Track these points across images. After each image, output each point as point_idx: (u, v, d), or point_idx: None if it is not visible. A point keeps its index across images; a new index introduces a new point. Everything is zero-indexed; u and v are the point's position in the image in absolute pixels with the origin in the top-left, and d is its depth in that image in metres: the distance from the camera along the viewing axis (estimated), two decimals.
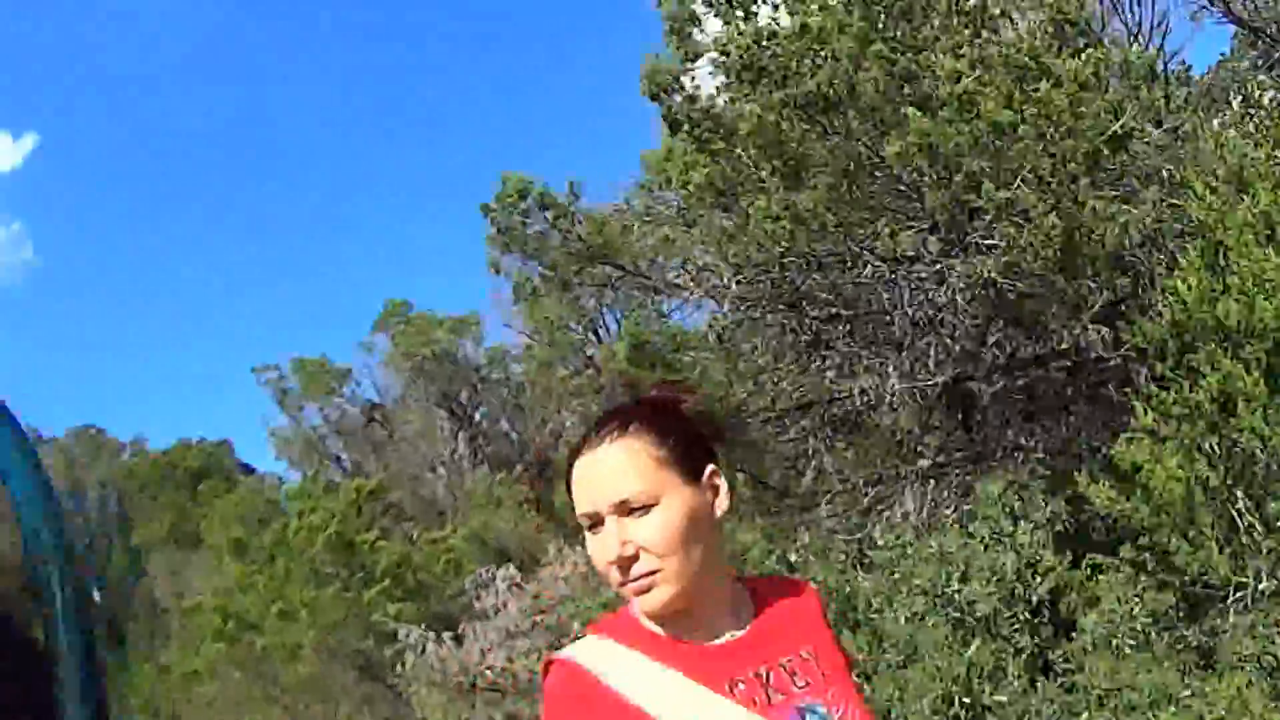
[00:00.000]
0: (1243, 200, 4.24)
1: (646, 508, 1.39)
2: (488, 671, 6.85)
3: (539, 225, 6.44)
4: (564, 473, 1.49)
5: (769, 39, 5.20)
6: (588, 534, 1.43)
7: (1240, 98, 6.45)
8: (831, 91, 4.88)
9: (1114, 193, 5.03)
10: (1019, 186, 4.77)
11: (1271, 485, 3.94)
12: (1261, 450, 3.96)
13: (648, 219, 6.19)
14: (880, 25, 5.06)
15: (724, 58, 5.34)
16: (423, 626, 7.31)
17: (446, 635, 7.06)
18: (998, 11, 5.26)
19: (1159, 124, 5.49)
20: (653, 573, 1.39)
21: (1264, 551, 3.94)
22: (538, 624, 7.01)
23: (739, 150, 5.18)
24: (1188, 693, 4.20)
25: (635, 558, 1.38)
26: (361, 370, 18.34)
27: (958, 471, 6.03)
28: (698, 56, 5.65)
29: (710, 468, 1.45)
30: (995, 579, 4.86)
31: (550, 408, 12.22)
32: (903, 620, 4.95)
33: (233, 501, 14.58)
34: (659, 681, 1.40)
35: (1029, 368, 5.49)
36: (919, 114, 4.67)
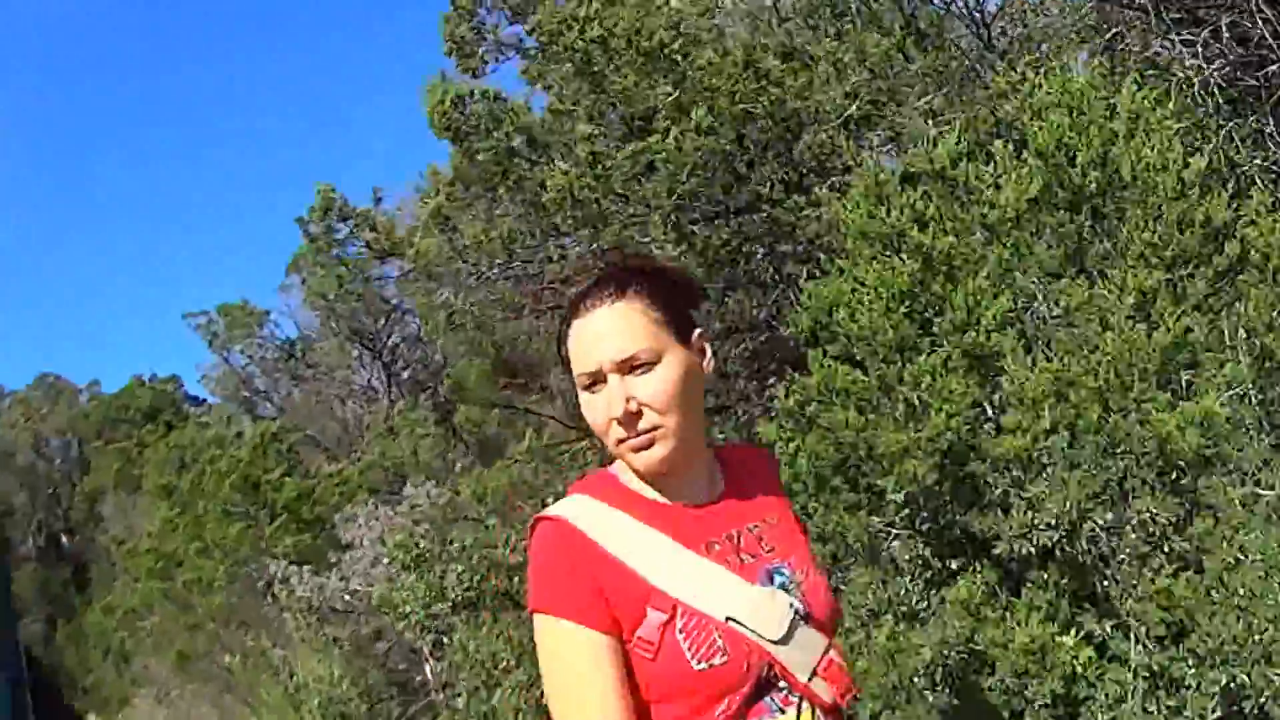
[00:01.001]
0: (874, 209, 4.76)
1: (649, 365, 1.48)
2: (346, 596, 8.07)
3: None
4: (558, 336, 1.57)
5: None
6: (585, 394, 1.52)
7: None
8: None
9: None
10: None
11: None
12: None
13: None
14: None
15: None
16: (286, 562, 8.52)
17: (307, 568, 8.28)
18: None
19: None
20: (654, 429, 1.48)
21: None
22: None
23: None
24: None
25: (639, 414, 1.47)
26: (283, 310, 19.36)
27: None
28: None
29: (698, 330, 1.56)
30: None
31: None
32: None
33: (167, 445, 15.63)
34: (640, 538, 1.49)
35: (745, 333, 6.50)
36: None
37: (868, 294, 4.20)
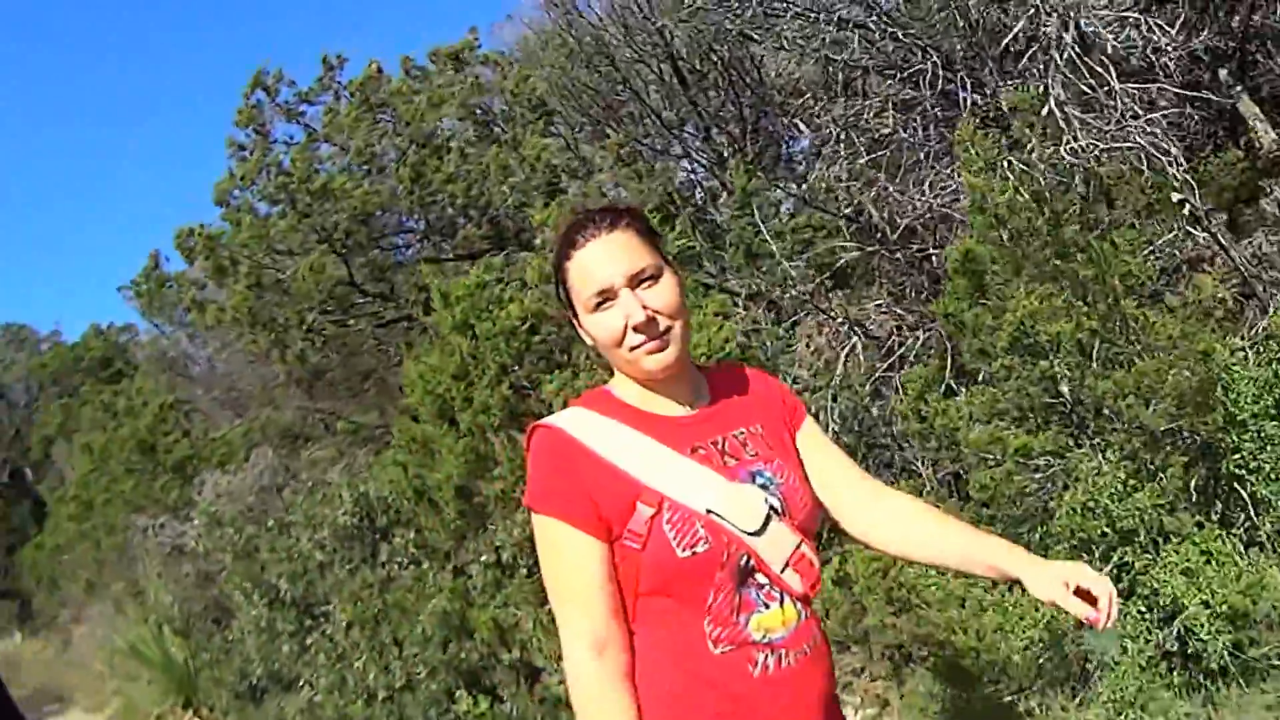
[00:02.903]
0: None
1: (654, 279, 1.75)
2: (193, 543, 10.76)
3: None
4: (557, 268, 1.82)
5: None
6: (594, 315, 1.76)
7: None
8: None
9: None
10: None
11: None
12: None
13: None
14: None
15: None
16: (150, 515, 11.25)
17: (167, 517, 11.00)
18: None
19: None
20: (666, 331, 1.75)
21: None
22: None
23: None
24: None
25: (654, 320, 1.73)
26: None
27: None
28: None
29: (667, 253, 1.81)
30: None
31: None
32: None
33: (98, 405, 18.15)
34: (631, 443, 1.73)
35: None
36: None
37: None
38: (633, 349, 1.72)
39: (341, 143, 8.32)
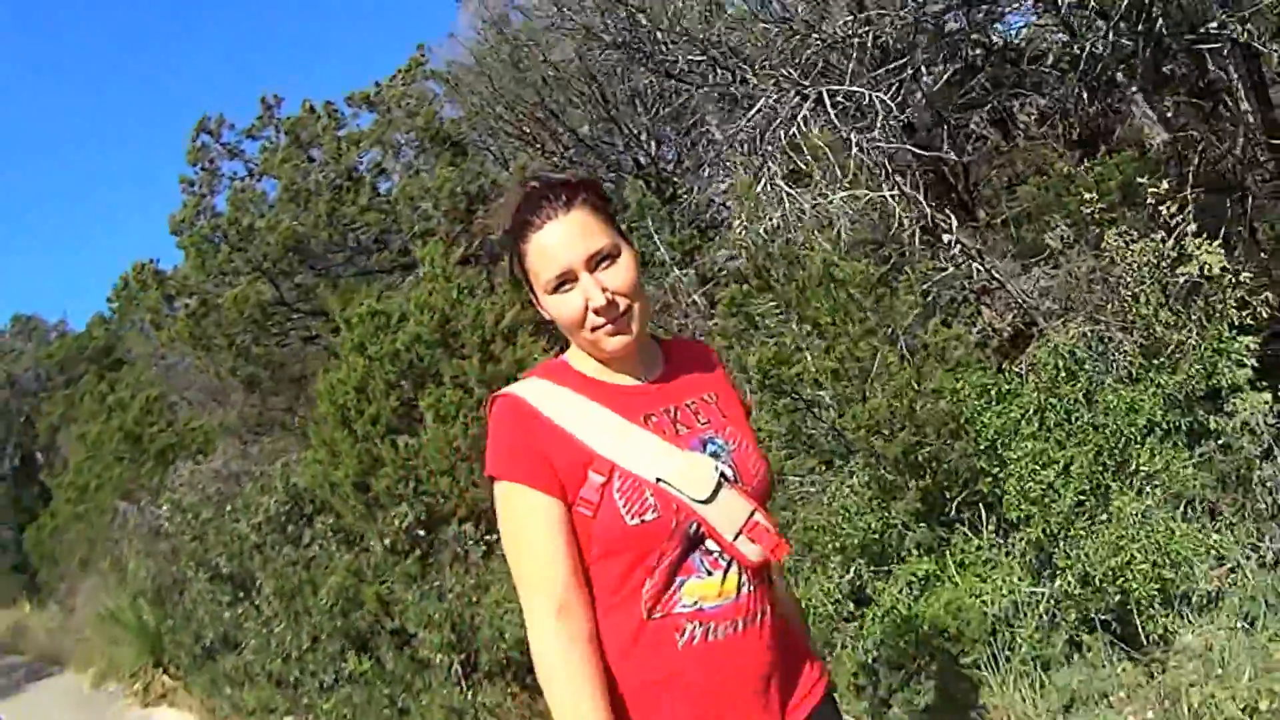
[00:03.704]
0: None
1: (611, 259, 1.74)
2: (165, 523, 12.15)
3: None
4: (513, 246, 1.78)
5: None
6: (553, 297, 1.75)
7: None
8: None
9: None
10: None
11: None
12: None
13: None
14: None
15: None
16: (129, 500, 12.67)
17: (146, 501, 12.43)
18: None
19: None
20: (627, 311, 1.75)
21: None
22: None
23: None
24: None
25: (614, 302, 1.72)
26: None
27: None
28: None
29: (623, 228, 1.80)
30: None
31: None
32: None
33: (96, 395, 19.57)
34: (584, 410, 1.73)
35: None
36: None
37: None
38: (594, 329, 1.73)
39: (277, 175, 9.59)
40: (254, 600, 8.28)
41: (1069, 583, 4.14)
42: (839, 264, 5.30)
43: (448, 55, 11.80)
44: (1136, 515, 4.14)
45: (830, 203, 5.75)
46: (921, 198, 6.59)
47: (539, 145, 10.40)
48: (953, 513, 4.90)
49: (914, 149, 6.64)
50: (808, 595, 4.69)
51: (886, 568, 4.80)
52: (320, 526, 8.37)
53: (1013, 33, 7.70)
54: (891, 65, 6.43)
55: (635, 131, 10.25)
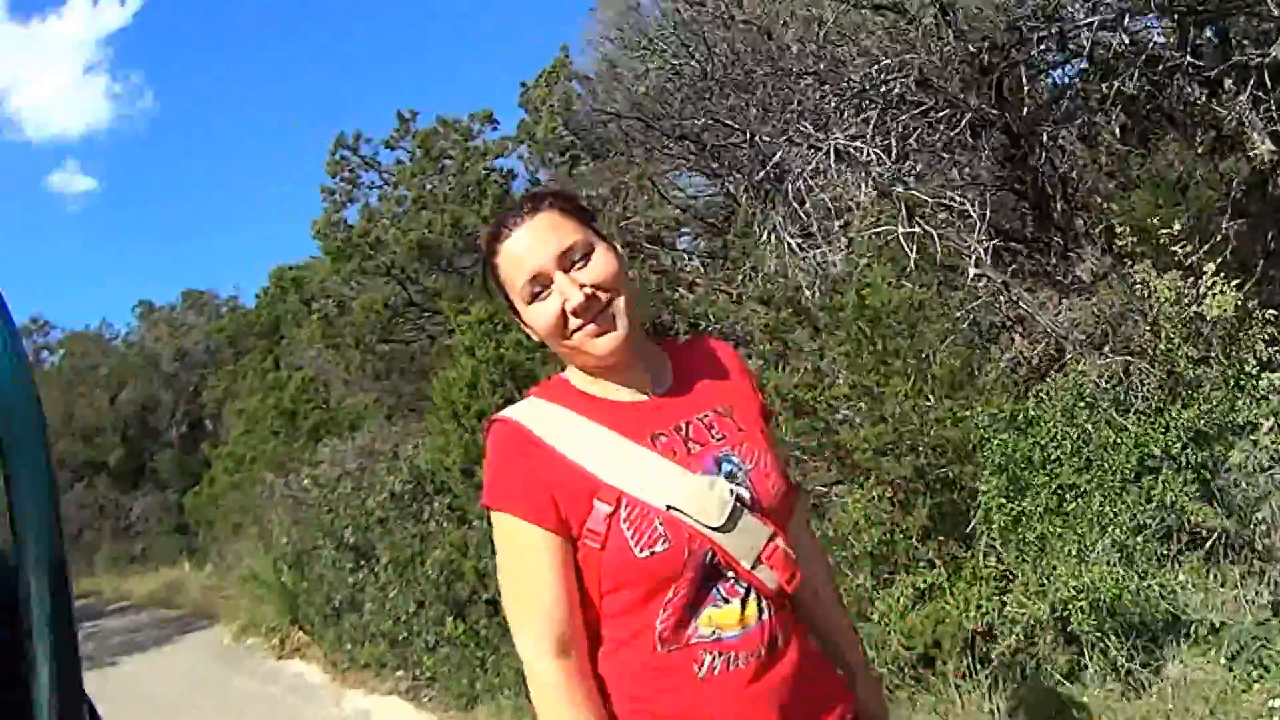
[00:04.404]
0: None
1: (585, 257, 1.63)
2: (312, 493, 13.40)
3: None
4: (486, 263, 1.70)
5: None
6: (531, 307, 1.65)
7: None
8: None
9: None
10: None
11: None
12: None
13: None
14: None
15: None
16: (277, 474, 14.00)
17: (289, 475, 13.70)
18: None
19: None
20: (609, 307, 1.63)
21: None
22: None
23: None
24: None
25: (594, 297, 1.61)
26: None
27: None
28: None
29: (607, 233, 1.75)
30: None
31: None
32: None
33: (260, 371, 21.20)
34: (587, 435, 1.62)
35: None
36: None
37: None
38: (576, 333, 1.63)
39: (408, 187, 10.63)
40: (373, 568, 9.30)
41: (1036, 606, 4.48)
42: (874, 291, 5.84)
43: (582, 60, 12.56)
44: (1093, 547, 4.48)
45: (886, 238, 6.27)
46: (981, 223, 7.03)
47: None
48: (968, 529, 5.16)
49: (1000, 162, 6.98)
50: None
51: (890, 577, 5.10)
52: (438, 505, 9.32)
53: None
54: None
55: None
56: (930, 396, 5.61)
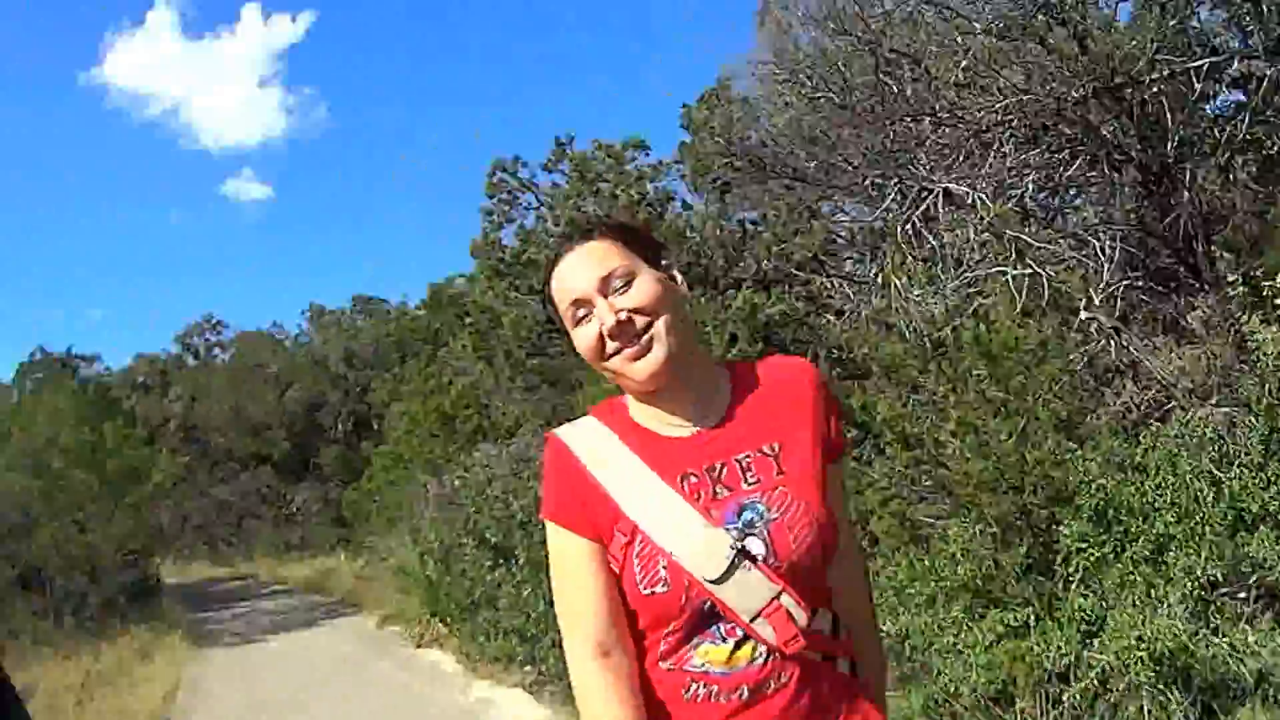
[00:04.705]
0: None
1: (627, 282, 1.65)
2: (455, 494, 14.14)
3: None
4: (544, 287, 1.76)
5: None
6: (576, 330, 1.68)
7: None
8: None
9: None
10: None
11: None
12: None
13: None
14: None
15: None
16: (429, 473, 14.78)
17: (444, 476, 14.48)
18: None
19: None
20: (647, 329, 1.63)
21: None
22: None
23: None
24: None
25: (630, 321, 1.63)
26: None
27: None
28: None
29: (665, 260, 1.73)
30: None
31: None
32: None
33: (423, 376, 22.26)
34: (620, 463, 1.66)
35: None
36: None
37: None
38: (614, 357, 1.65)
39: (561, 210, 11.24)
40: (510, 567, 9.86)
41: (1108, 651, 4.64)
42: (997, 331, 6.05)
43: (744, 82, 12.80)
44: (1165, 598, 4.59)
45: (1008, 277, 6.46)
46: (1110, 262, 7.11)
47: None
48: (1059, 568, 5.38)
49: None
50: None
51: (984, 611, 5.27)
52: None
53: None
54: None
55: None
56: (1038, 436, 5.78)
